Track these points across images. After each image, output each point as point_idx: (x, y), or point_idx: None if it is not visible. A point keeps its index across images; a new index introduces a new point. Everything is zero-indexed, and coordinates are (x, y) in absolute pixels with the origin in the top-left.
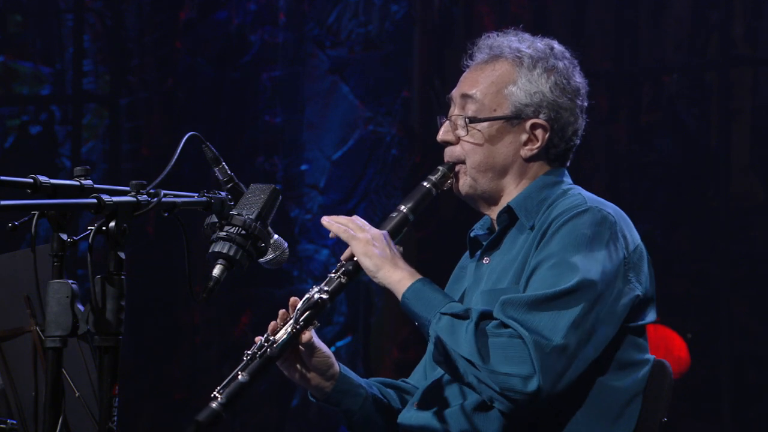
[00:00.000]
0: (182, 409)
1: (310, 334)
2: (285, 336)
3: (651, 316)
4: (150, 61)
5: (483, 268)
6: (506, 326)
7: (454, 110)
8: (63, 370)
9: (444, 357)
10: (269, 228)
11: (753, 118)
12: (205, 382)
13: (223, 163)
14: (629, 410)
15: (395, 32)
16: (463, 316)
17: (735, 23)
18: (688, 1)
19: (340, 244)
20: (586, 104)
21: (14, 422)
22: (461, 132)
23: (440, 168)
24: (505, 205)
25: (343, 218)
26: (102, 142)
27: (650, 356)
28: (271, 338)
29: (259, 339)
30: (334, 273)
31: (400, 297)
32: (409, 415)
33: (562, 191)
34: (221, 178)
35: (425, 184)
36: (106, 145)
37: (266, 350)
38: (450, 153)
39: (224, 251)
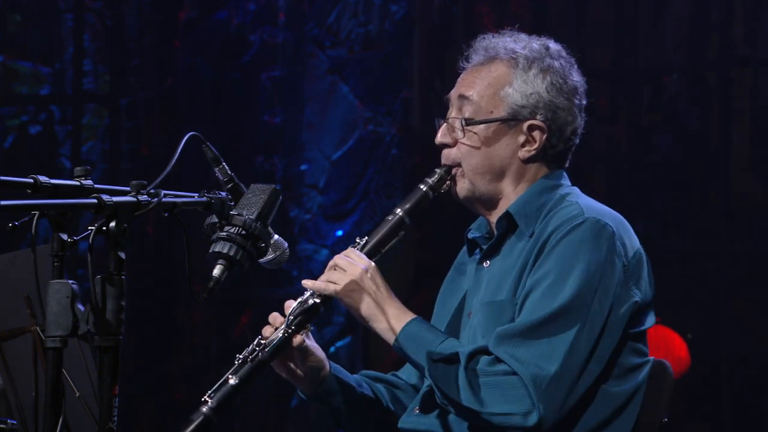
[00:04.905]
0: (182, 409)
1: (302, 338)
2: (277, 340)
3: (650, 320)
4: (150, 61)
5: (483, 272)
6: (501, 361)
7: (452, 112)
8: (63, 370)
9: (447, 402)
10: (269, 228)
11: (753, 118)
12: (205, 382)
13: (224, 163)
14: (629, 410)
15: (395, 32)
16: (453, 359)
17: (735, 23)
18: (688, 1)
19: (340, 244)
20: (585, 103)
21: (14, 422)
22: (458, 134)
23: (437, 171)
24: (503, 209)
25: (331, 264)
26: (102, 142)
27: (650, 358)
28: (263, 342)
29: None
30: None
31: (391, 344)
32: (410, 419)
33: (560, 197)
34: (221, 178)
35: (422, 186)
36: (106, 145)
37: (258, 354)
38: (447, 155)
39: (224, 251)
